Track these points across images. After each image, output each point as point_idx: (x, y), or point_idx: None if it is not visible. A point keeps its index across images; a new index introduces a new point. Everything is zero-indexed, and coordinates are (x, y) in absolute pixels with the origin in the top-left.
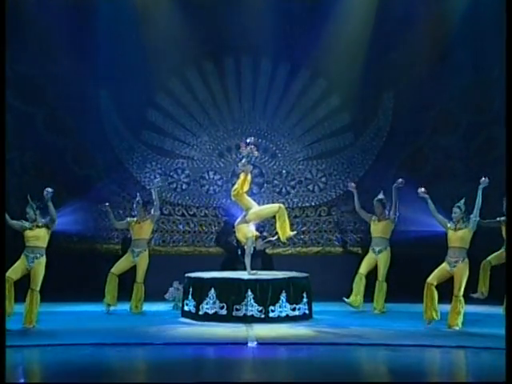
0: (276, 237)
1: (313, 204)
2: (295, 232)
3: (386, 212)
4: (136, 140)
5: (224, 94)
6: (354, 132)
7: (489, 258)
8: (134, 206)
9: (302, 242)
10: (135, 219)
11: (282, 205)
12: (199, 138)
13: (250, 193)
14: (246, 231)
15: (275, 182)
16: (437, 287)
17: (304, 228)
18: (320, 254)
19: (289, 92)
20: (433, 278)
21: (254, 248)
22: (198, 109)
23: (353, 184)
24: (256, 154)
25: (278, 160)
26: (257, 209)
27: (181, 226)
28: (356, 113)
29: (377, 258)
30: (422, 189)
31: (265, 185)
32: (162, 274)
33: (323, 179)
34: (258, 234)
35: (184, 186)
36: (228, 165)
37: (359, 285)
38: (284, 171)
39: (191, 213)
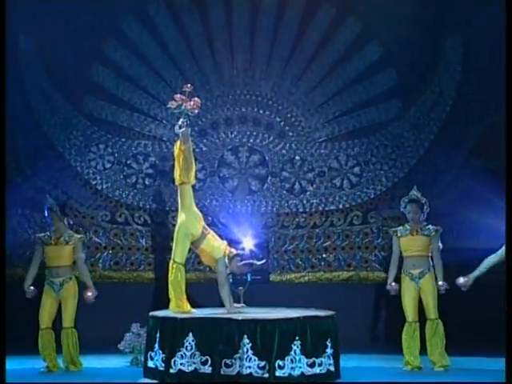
0: (263, 261)
1: (341, 207)
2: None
3: (423, 217)
4: (75, 111)
5: (207, 43)
6: (402, 99)
7: None
8: (46, 215)
9: (326, 264)
10: (48, 236)
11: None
12: (170, 109)
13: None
14: (215, 250)
15: (284, 174)
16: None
17: (328, 243)
18: (352, 281)
19: (305, 39)
20: None
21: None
22: (168, 65)
23: (393, 284)
24: (195, 108)
25: (288, 141)
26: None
27: (143, 241)
28: (406, 70)
29: (417, 287)
30: (461, 280)
31: (269, 178)
32: (114, 312)
33: (356, 170)
34: (233, 250)
35: (148, 181)
36: (213, 148)
37: (412, 340)
38: (298, 158)
39: (158, 220)
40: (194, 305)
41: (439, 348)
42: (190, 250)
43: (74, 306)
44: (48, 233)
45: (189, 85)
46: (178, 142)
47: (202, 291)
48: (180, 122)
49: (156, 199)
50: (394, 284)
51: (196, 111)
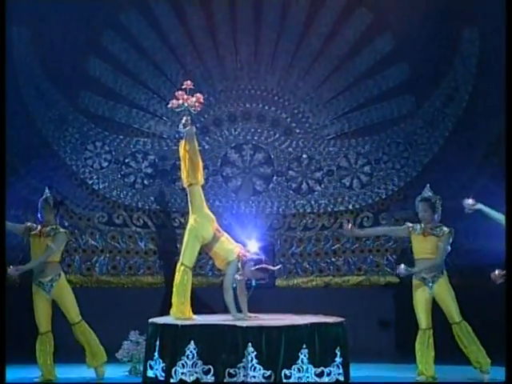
0: (279, 266)
1: (350, 208)
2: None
3: (436, 218)
4: (71, 107)
5: (210, 35)
6: (415, 94)
7: None
8: (40, 205)
9: (335, 268)
10: (37, 227)
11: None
12: (170, 105)
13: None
14: (228, 253)
15: (291, 173)
16: None
17: (337, 245)
18: (362, 286)
19: (312, 31)
20: None
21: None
22: (169, 58)
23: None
24: (198, 104)
25: (295, 139)
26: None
27: (142, 244)
28: (419, 63)
29: (433, 293)
30: (470, 200)
31: (275, 178)
32: (111, 319)
33: (367, 168)
34: (247, 254)
35: (147, 181)
36: (216, 146)
37: (425, 348)
38: (305, 156)
39: (158, 222)
40: (195, 311)
41: (478, 348)
42: (200, 252)
43: (72, 300)
44: (39, 226)
45: (188, 81)
46: (183, 142)
47: (204, 296)
48: (184, 121)
49: (156, 200)
50: (350, 226)
51: (199, 108)
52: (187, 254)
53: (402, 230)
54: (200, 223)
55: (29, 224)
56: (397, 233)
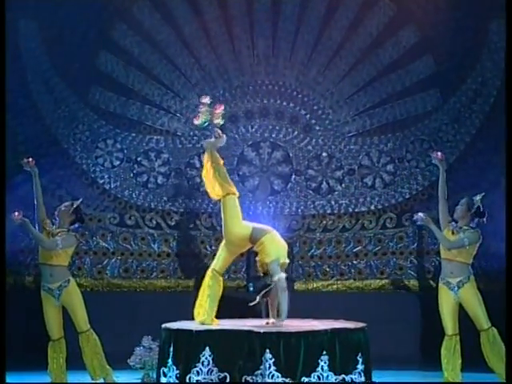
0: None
1: (373, 208)
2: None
3: (470, 220)
4: (81, 103)
5: (225, 27)
6: (440, 89)
7: None
8: (62, 208)
9: (356, 272)
10: (53, 228)
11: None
12: (185, 101)
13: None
14: (274, 249)
15: (310, 172)
16: None
17: (358, 247)
18: (385, 290)
19: (333, 23)
20: None
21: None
22: (183, 52)
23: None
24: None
25: (314, 136)
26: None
27: (155, 246)
28: (445, 57)
29: (458, 298)
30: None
31: (293, 177)
32: (123, 324)
33: (390, 167)
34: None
35: (160, 180)
36: (232, 144)
37: (451, 355)
38: (325, 154)
39: (172, 223)
40: None
41: (500, 359)
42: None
43: (81, 307)
44: (53, 227)
45: (203, 97)
46: (208, 153)
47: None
48: (216, 131)
49: (169, 200)
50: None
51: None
52: (220, 261)
53: (446, 215)
54: (231, 245)
55: (47, 219)
56: (443, 211)
